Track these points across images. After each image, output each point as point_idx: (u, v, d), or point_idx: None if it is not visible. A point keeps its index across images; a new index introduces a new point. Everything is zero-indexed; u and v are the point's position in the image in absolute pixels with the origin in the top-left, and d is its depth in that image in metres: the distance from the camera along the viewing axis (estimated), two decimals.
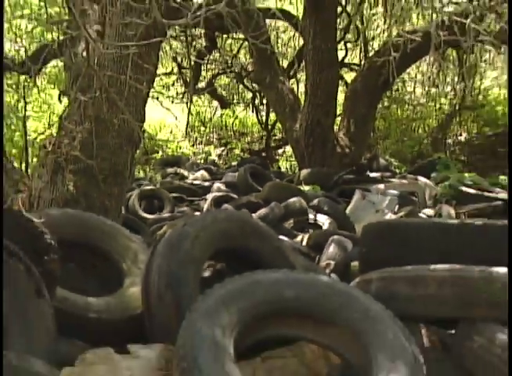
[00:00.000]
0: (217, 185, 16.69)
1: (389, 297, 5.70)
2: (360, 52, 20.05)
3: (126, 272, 6.63)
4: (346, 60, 20.38)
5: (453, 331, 5.81)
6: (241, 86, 22.67)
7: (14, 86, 19.12)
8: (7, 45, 19.42)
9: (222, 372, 4.84)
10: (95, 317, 6.11)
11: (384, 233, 6.88)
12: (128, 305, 6.27)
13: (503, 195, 14.73)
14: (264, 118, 22.62)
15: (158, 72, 9.64)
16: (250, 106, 23.27)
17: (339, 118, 19.06)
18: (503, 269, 5.69)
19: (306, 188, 15.22)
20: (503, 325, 5.52)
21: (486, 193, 15.09)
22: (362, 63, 19.73)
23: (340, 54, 19.50)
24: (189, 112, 23.28)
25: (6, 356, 4.96)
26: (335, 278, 7.57)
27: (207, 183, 17.47)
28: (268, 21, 18.75)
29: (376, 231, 7.06)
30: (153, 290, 5.87)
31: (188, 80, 21.36)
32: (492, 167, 18.92)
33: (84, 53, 8.17)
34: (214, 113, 24.59)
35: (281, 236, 7.87)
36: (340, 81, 19.46)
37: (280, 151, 21.62)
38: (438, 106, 23.62)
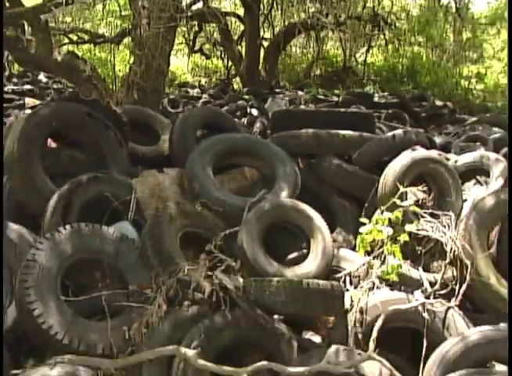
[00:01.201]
0: (204, 95, 16.37)
1: (284, 143, 5.57)
2: (270, 32, 19.51)
3: (161, 134, 6.46)
4: (264, 37, 19.81)
5: (314, 160, 5.71)
6: (215, 48, 22.11)
7: (108, 50, 18.66)
8: (106, 29, 19.12)
9: (207, 178, 4.78)
10: (146, 153, 6.00)
11: (283, 115, 6.76)
12: (162, 150, 6.12)
13: (335, 98, 14.65)
14: (226, 64, 22.12)
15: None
16: (220, 58, 22.75)
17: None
18: (343, 131, 5.60)
19: (246, 97, 14.96)
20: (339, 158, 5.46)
21: (329, 98, 15.01)
22: (272, 37, 19.26)
23: (261, 34, 18.96)
24: (189, 60, 22.87)
25: (108, 173, 4.88)
26: (259, 136, 7.44)
27: (199, 95, 17.12)
28: (227, 17, 18.21)
29: (279, 114, 6.93)
30: (174, 141, 5.76)
31: (189, 45, 20.90)
32: (331, 86, 18.68)
33: (139, 32, 8.05)
34: (203, 61, 24.04)
35: (234, 119, 7.76)
36: (261, 47, 19.00)
37: (234, 80, 21.20)
38: (306, 58, 23.17)
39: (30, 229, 4.31)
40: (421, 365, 3.55)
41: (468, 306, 4.00)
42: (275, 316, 3.78)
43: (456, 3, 17.98)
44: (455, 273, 4.01)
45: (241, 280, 3.84)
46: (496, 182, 4.97)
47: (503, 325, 3.66)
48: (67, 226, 3.95)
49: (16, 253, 4.08)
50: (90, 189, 4.60)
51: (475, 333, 3.63)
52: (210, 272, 3.85)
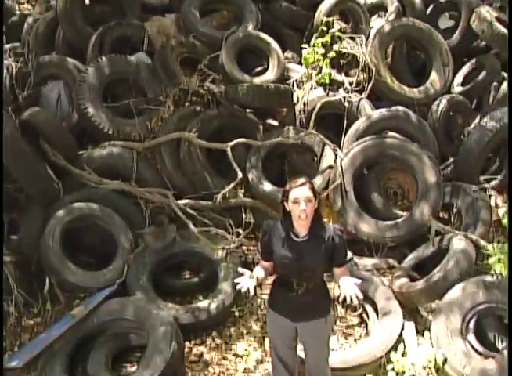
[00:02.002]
0: None
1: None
2: None
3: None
4: None
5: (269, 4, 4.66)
6: None
7: None
8: None
9: (196, 18, 4.13)
10: (153, 4, 4.69)
11: None
12: (164, 1, 4.88)
13: None
14: None
15: None
16: None
17: None
18: None
19: None
20: (286, 1, 4.47)
21: None
22: None
23: None
24: None
25: (128, 19, 4.07)
26: None
27: None
28: None
29: None
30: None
31: None
32: None
33: None
34: None
35: None
36: None
37: None
38: None
39: (79, 61, 3.97)
40: (343, 136, 3.48)
41: (373, 97, 3.76)
42: (247, 110, 3.57)
43: None
44: (365, 76, 3.78)
45: (223, 86, 3.56)
46: (391, 15, 4.42)
47: (394, 108, 3.53)
48: (103, 57, 3.67)
49: (71, 77, 3.81)
50: (116, 31, 4.09)
51: (376, 113, 3.53)
52: (201, 83, 3.61)
